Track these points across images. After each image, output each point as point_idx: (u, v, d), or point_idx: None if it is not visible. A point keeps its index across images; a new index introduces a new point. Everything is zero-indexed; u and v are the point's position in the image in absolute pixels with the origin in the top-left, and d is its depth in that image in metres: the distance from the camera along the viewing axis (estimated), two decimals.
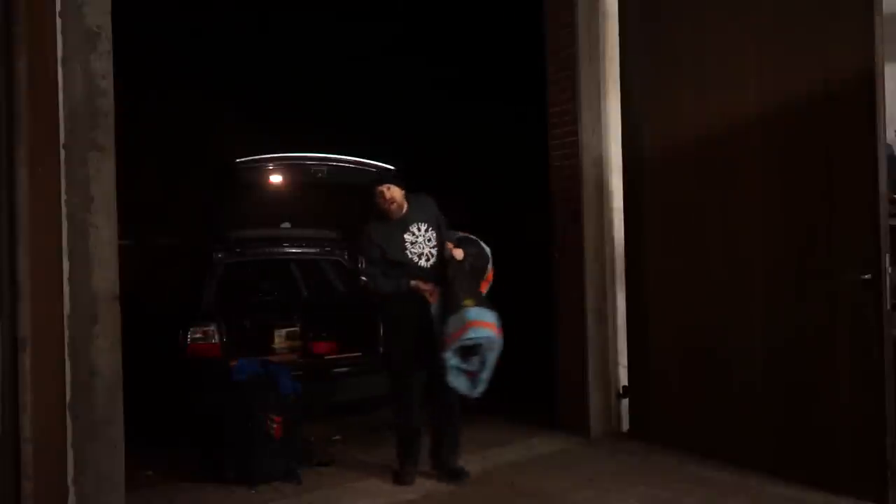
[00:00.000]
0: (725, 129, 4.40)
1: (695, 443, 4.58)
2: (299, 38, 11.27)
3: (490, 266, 4.46)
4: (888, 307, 3.67)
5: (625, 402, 5.21)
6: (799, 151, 4.04)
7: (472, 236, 4.53)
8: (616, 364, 5.22)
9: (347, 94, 11.35)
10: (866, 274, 3.69)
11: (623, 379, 5.23)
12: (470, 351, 4.01)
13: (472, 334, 3.97)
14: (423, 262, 4.28)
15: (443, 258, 4.29)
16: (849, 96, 3.77)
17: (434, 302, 4.22)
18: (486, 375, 4.04)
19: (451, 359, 3.98)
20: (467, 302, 4.07)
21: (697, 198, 4.61)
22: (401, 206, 4.29)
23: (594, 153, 5.22)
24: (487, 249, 4.46)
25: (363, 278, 4.28)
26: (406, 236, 4.28)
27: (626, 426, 5.22)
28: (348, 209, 6.05)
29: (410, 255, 4.26)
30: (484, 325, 4.01)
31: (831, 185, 3.88)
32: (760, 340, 4.25)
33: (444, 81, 11.25)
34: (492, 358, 4.04)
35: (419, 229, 4.31)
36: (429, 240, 4.32)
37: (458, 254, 4.26)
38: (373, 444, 5.09)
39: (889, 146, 3.92)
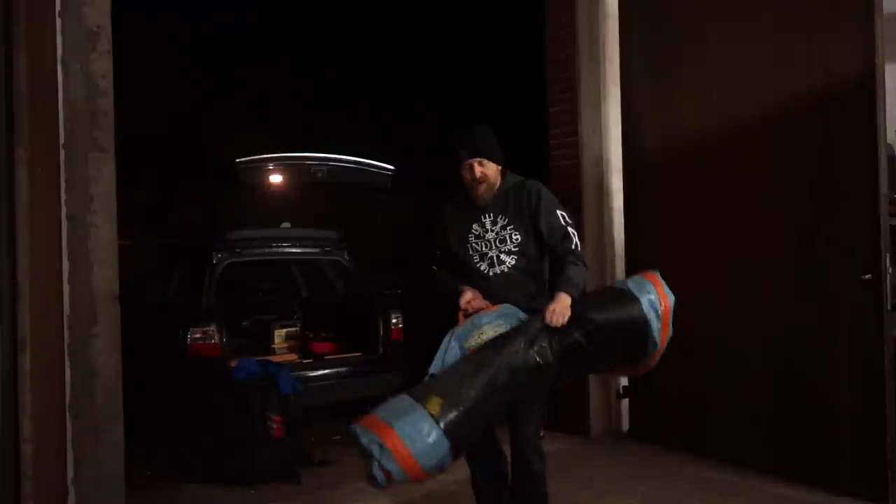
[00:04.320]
0: (725, 129, 4.40)
1: (695, 443, 4.58)
2: (299, 38, 11.28)
3: (645, 360, 2.97)
4: (888, 307, 3.67)
5: (625, 402, 5.22)
6: (799, 151, 4.04)
7: (642, 296, 2.91)
8: None
9: (348, 94, 11.36)
10: (866, 274, 3.68)
11: (623, 379, 5.22)
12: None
13: (371, 448, 2.53)
14: (483, 266, 3.12)
15: (521, 272, 3.08)
16: (849, 96, 3.76)
17: (460, 324, 2.99)
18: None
19: (356, 435, 2.63)
20: (431, 405, 2.60)
21: (697, 198, 4.61)
22: (491, 188, 3.14)
23: (594, 153, 5.22)
24: (655, 331, 2.86)
25: (434, 267, 3.32)
26: (475, 226, 3.16)
27: (626, 426, 5.22)
28: (348, 209, 6.05)
29: (470, 252, 3.15)
30: (400, 453, 2.51)
31: (831, 185, 3.88)
32: (760, 341, 4.24)
33: (445, 82, 11.26)
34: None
35: (494, 223, 3.13)
36: (502, 240, 3.11)
37: (552, 315, 2.83)
38: None
39: (889, 146, 3.93)
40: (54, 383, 3.15)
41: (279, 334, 6.11)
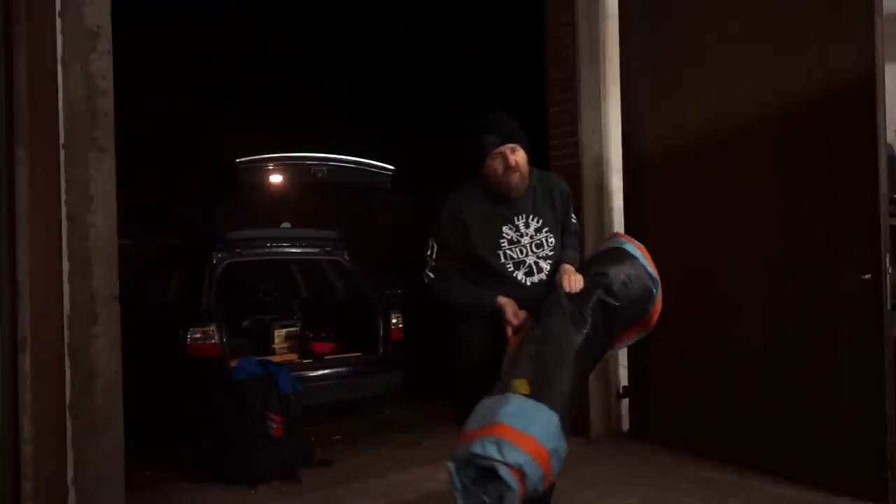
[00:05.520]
0: (725, 129, 4.40)
1: (695, 443, 4.58)
2: (299, 38, 11.28)
3: (653, 304, 2.84)
4: (888, 307, 3.67)
5: (625, 402, 5.21)
6: (799, 151, 4.04)
7: (624, 245, 2.92)
8: (616, 364, 5.22)
9: (348, 94, 11.36)
10: (866, 274, 3.68)
11: (623, 379, 5.22)
12: (487, 473, 2.27)
13: (487, 451, 2.24)
14: (520, 275, 2.75)
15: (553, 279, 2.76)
16: (849, 96, 3.76)
17: (511, 350, 2.60)
18: None
19: (455, 471, 2.32)
20: (518, 386, 2.41)
21: (697, 198, 4.61)
22: (524, 179, 2.75)
23: (594, 153, 5.22)
24: (651, 269, 2.82)
25: (430, 274, 2.82)
26: (506, 229, 2.75)
27: (626, 426, 5.22)
28: (348, 209, 6.06)
29: (503, 260, 2.74)
30: (519, 439, 2.26)
31: (831, 185, 3.88)
32: (760, 341, 4.24)
33: (445, 81, 11.27)
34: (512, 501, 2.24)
35: (527, 225, 2.77)
36: (539, 245, 2.77)
37: (569, 282, 2.66)
38: (373, 445, 5.09)
39: (889, 146, 3.93)
40: (54, 383, 3.15)
41: (279, 334, 6.12)
